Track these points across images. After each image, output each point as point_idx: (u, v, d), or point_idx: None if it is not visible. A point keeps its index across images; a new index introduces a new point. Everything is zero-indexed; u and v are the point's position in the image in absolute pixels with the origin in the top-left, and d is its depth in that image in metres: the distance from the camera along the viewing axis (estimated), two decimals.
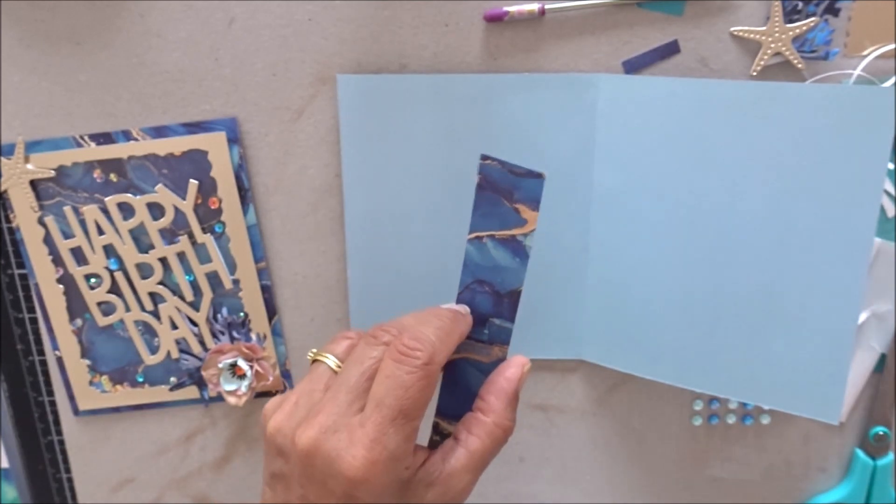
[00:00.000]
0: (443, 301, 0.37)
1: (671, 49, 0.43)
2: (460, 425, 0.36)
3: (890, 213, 0.45)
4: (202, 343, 0.50)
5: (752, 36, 0.42)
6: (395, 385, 0.32)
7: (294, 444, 0.33)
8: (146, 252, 0.48)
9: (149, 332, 0.50)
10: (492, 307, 0.37)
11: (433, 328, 0.34)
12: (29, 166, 0.47)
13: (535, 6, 0.43)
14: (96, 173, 0.47)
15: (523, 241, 0.36)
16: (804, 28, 0.42)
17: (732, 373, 0.45)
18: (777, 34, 0.42)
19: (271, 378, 0.50)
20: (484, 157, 0.35)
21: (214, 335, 0.50)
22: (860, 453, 0.50)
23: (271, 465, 0.35)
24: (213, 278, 0.49)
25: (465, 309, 0.37)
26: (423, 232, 0.47)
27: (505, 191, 0.35)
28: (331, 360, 0.36)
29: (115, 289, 0.49)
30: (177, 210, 0.47)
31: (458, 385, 0.37)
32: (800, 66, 0.42)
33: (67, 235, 0.48)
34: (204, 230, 0.48)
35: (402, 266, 0.47)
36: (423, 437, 0.37)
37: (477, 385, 0.37)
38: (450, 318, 0.35)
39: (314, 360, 0.37)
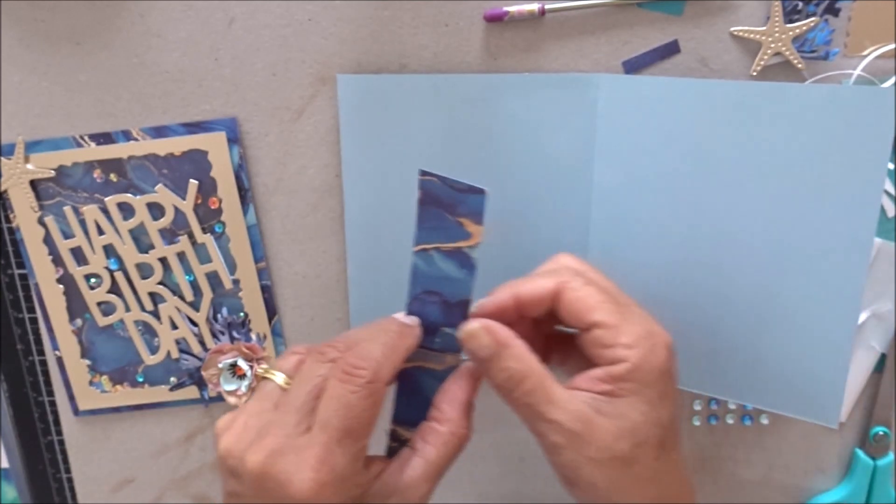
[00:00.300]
0: None
1: (671, 49, 0.43)
2: (416, 435, 0.36)
3: (890, 213, 0.45)
4: (202, 343, 0.50)
5: (752, 36, 0.42)
6: (340, 405, 0.32)
7: (245, 467, 0.33)
8: (146, 252, 0.48)
9: (149, 332, 0.50)
10: (442, 316, 0.37)
11: (379, 344, 0.34)
12: (29, 166, 0.47)
13: (535, 6, 0.43)
14: (96, 173, 0.47)
15: (469, 252, 0.36)
16: (804, 28, 0.42)
17: (731, 374, 0.45)
18: (777, 34, 0.42)
19: None
20: (423, 174, 0.35)
21: (214, 335, 0.50)
22: (860, 453, 0.50)
23: (226, 485, 0.35)
24: (213, 278, 0.49)
25: (413, 321, 0.37)
26: None
27: (447, 205, 0.35)
28: (279, 378, 0.36)
29: (115, 289, 0.49)
30: (177, 210, 0.47)
31: (414, 393, 0.38)
32: (800, 66, 0.42)
33: (67, 235, 0.48)
34: (204, 230, 0.48)
35: (401, 266, 0.47)
36: (380, 445, 0.38)
37: (432, 392, 0.37)
38: (396, 333, 0.36)
39: (262, 378, 0.36)
